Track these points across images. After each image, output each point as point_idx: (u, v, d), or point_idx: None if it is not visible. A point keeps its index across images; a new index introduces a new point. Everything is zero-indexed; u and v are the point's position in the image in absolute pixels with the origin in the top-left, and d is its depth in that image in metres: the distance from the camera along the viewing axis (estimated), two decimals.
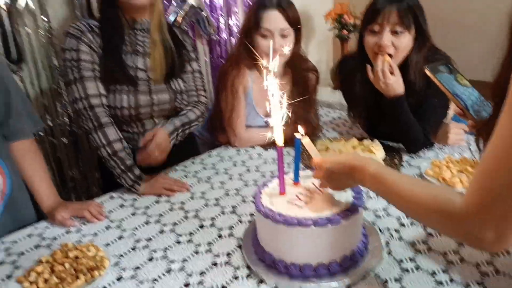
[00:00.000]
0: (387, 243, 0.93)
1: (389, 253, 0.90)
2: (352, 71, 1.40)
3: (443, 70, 0.79)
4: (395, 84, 1.26)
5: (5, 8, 1.32)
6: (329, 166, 0.80)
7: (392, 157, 1.36)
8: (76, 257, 0.91)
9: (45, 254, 0.94)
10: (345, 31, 2.41)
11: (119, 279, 0.88)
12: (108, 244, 1.01)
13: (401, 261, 0.87)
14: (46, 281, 0.85)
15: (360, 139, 1.44)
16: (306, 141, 0.87)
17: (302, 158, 1.36)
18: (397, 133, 1.37)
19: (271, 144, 1.53)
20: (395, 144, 1.44)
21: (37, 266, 0.89)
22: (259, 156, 1.49)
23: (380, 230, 0.98)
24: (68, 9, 1.53)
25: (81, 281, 0.84)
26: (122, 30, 1.26)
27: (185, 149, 1.50)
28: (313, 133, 1.57)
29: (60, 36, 1.45)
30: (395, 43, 1.26)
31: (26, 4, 1.39)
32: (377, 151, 1.35)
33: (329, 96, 2.24)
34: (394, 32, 1.25)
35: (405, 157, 1.37)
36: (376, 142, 1.40)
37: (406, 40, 1.26)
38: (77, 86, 1.20)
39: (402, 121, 1.31)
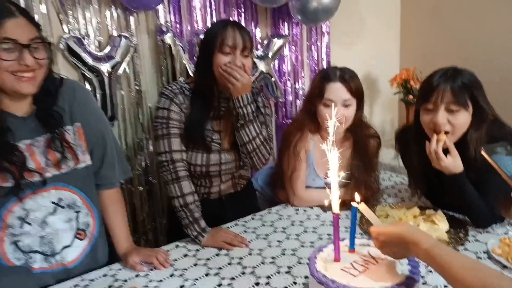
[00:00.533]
0: None
1: None
2: (410, 143, 1.41)
3: (500, 152, 0.80)
4: (451, 165, 1.24)
5: (107, 74, 1.58)
6: (383, 239, 0.83)
7: (457, 230, 1.30)
8: None
9: None
10: (410, 96, 2.43)
11: None
12: None
13: None
14: None
15: (423, 207, 1.41)
16: (363, 207, 0.90)
17: (361, 223, 1.37)
18: (461, 207, 1.33)
19: (330, 206, 1.57)
20: (460, 216, 1.39)
21: None
22: (317, 217, 1.52)
23: None
24: (156, 75, 1.77)
25: None
26: (211, 100, 1.41)
27: (247, 203, 1.60)
28: (373, 198, 1.57)
29: (148, 96, 1.67)
30: (451, 121, 1.25)
31: (124, 70, 1.65)
32: (441, 222, 1.31)
33: (392, 159, 2.22)
34: (450, 110, 1.25)
35: (472, 232, 1.31)
36: (440, 213, 1.36)
37: (462, 118, 1.25)
38: (164, 141, 1.35)
39: (465, 197, 1.27)
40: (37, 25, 1.04)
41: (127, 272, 1.20)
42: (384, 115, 2.82)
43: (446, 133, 1.27)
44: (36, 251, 1.11)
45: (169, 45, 1.71)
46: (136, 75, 1.71)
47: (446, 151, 1.26)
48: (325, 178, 1.64)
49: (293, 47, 2.15)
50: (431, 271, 1.10)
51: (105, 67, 1.57)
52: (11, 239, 1.07)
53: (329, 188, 0.93)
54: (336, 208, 0.91)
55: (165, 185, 1.38)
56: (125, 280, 1.16)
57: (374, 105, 2.81)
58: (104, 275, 1.19)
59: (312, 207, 1.59)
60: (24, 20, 0.99)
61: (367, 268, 0.90)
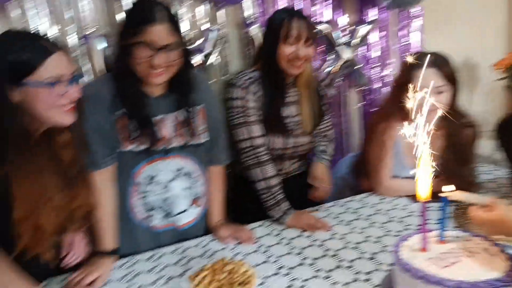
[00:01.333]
0: None
1: None
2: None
3: None
4: None
5: (200, 63, 1.70)
6: (483, 221, 0.81)
7: None
8: (230, 271, 1.09)
9: (207, 263, 1.14)
10: None
11: None
12: (255, 265, 1.16)
13: None
14: (210, 283, 1.04)
15: None
16: (457, 194, 0.87)
17: (457, 216, 1.29)
18: None
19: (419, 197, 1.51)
20: None
21: (202, 271, 1.09)
22: (404, 208, 1.48)
23: None
24: (242, 65, 1.86)
25: None
26: (284, 87, 1.47)
27: (307, 184, 1.60)
28: (469, 191, 1.46)
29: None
30: None
31: (213, 61, 1.76)
32: None
33: (495, 152, 2.03)
34: None
35: None
36: None
37: None
38: (243, 128, 1.43)
39: None
40: (176, 30, 1.18)
41: (217, 244, 1.32)
42: (485, 104, 2.57)
43: None
44: (157, 210, 1.30)
45: (254, 37, 1.77)
46: (224, 66, 1.81)
47: None
48: (413, 169, 1.58)
49: (380, 33, 2.07)
50: None
51: (198, 58, 1.69)
52: (140, 195, 1.28)
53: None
54: (424, 195, 0.89)
55: (247, 170, 1.44)
56: (215, 251, 1.27)
57: (473, 93, 2.58)
58: (196, 245, 1.32)
59: (398, 197, 1.55)
60: (166, 26, 1.14)
61: (459, 260, 0.87)
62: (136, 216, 1.29)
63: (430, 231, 0.94)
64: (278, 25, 1.39)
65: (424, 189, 0.89)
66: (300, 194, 1.54)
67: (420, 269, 0.83)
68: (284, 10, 1.57)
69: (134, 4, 1.22)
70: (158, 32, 1.13)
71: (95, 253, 1.21)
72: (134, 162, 1.25)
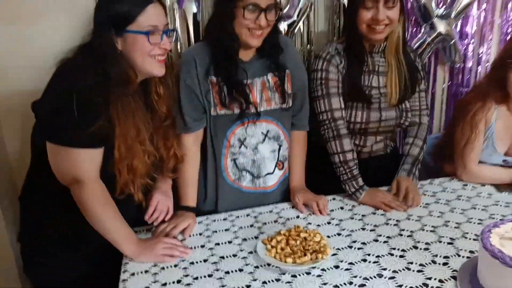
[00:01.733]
0: None
1: None
2: None
3: None
4: None
5: (284, 30, 1.69)
6: None
7: None
8: (305, 239, 1.12)
9: (279, 229, 1.19)
10: None
11: (336, 267, 1.04)
12: (328, 237, 1.18)
13: None
14: (282, 249, 1.09)
15: None
16: None
17: None
18: None
19: (507, 186, 1.41)
20: None
21: (277, 235, 1.14)
22: (489, 196, 1.39)
23: None
24: (328, 34, 1.81)
25: (308, 258, 1.04)
26: (362, 55, 1.41)
27: (391, 167, 1.52)
28: None
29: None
30: None
31: (300, 29, 1.74)
32: None
33: None
34: None
35: None
36: None
37: None
38: (323, 100, 1.41)
39: None
40: None
41: (291, 212, 1.35)
42: None
43: None
44: (248, 171, 1.38)
45: (344, 4, 1.71)
46: (309, 34, 1.78)
47: None
48: (506, 156, 1.46)
49: (483, 4, 1.88)
50: None
51: (283, 26, 1.68)
52: (232, 156, 1.36)
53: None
54: None
55: (326, 142, 1.44)
56: (288, 219, 1.31)
57: None
58: (270, 211, 1.37)
59: (484, 185, 1.45)
60: None
61: None
62: (229, 177, 1.38)
63: None
64: None
65: None
66: (383, 177, 1.48)
67: (510, 256, 0.79)
68: None
69: None
70: None
71: (179, 208, 1.31)
72: (228, 124, 1.32)
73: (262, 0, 1.20)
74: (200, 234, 1.24)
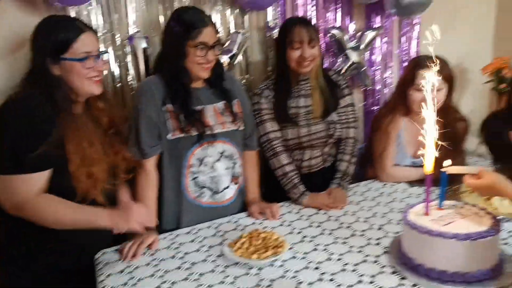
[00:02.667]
0: None
1: None
2: (502, 127, 1.51)
3: None
4: None
5: (226, 64, 1.91)
6: (477, 188, 1.06)
7: None
8: (265, 238, 1.29)
9: (242, 234, 1.35)
10: (503, 85, 2.43)
11: (294, 257, 1.23)
12: (283, 236, 1.36)
13: None
14: (247, 249, 1.25)
15: None
16: (453, 168, 1.09)
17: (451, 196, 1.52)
18: None
19: (416, 181, 1.74)
20: None
21: (240, 238, 1.30)
22: (404, 191, 1.70)
23: None
24: (263, 65, 2.07)
25: (270, 253, 1.21)
26: (289, 85, 1.69)
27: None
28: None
29: (255, 83, 1.98)
30: None
31: (239, 61, 1.97)
32: None
33: (482, 147, 2.28)
34: None
35: None
36: None
37: None
38: (260, 126, 1.67)
39: None
40: (217, 31, 1.45)
41: (247, 219, 1.52)
42: (474, 104, 2.82)
43: None
44: (207, 187, 1.51)
45: (275, 39, 1.98)
46: (247, 65, 2.02)
47: None
48: (413, 158, 1.80)
49: (384, 38, 2.31)
50: None
51: (224, 58, 1.90)
52: (192, 175, 1.48)
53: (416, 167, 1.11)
54: (429, 167, 1.11)
55: (267, 161, 1.68)
56: (246, 225, 1.48)
57: (463, 94, 2.82)
58: (229, 221, 1.52)
59: (399, 183, 1.77)
60: (212, 28, 1.41)
61: (454, 221, 1.09)
62: (190, 194, 1.50)
63: (432, 200, 1.16)
64: (284, 32, 1.64)
65: (429, 162, 1.10)
66: (324, 189, 1.69)
67: (424, 226, 1.05)
68: (290, 19, 1.77)
69: (181, 12, 1.44)
70: (210, 33, 1.40)
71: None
72: (187, 147, 1.45)
73: (209, 39, 1.40)
74: (168, 247, 1.35)
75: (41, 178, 1.16)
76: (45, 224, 1.17)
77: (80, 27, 1.21)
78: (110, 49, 1.73)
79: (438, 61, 1.62)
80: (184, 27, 1.37)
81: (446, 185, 1.15)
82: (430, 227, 1.04)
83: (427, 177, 1.11)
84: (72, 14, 1.63)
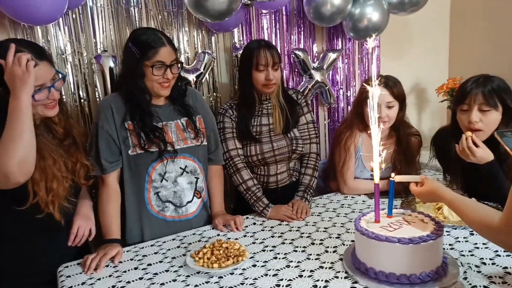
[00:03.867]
0: (465, 272, 1.13)
1: (465, 278, 1.10)
2: (448, 142, 1.63)
3: (510, 136, 1.04)
4: (484, 155, 1.45)
5: (193, 82, 1.98)
6: (420, 194, 1.16)
7: None
8: (227, 248, 1.33)
9: (205, 244, 1.39)
10: None
11: (254, 266, 1.27)
12: (246, 245, 1.41)
13: (474, 286, 1.07)
14: (208, 258, 1.28)
15: None
16: (399, 177, 1.18)
17: (404, 205, 1.62)
18: (493, 194, 1.53)
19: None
20: (493, 204, 1.58)
21: (203, 249, 1.33)
22: (364, 203, 1.79)
23: (461, 264, 1.18)
24: (229, 83, 2.15)
25: (231, 261, 1.25)
26: (253, 105, 1.77)
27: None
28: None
29: (222, 100, 2.06)
30: (483, 120, 1.48)
31: (205, 79, 2.05)
32: None
33: (437, 162, 2.41)
34: (482, 110, 1.48)
35: None
36: (473, 199, 1.57)
37: (493, 117, 1.48)
38: (222, 144, 1.74)
39: (499, 183, 1.48)
40: (175, 50, 1.50)
41: (212, 231, 1.56)
42: (433, 122, 2.99)
43: (478, 131, 1.49)
44: (170, 202, 1.54)
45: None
46: (214, 84, 2.10)
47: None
48: (372, 171, 1.90)
49: (345, 59, 2.44)
50: (459, 241, 1.33)
51: (192, 77, 1.97)
52: (154, 190, 1.51)
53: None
54: (376, 179, 1.19)
55: (230, 177, 1.74)
56: (210, 237, 1.51)
57: (422, 113, 2.99)
58: (194, 234, 1.55)
59: (359, 195, 1.86)
60: (170, 48, 1.46)
61: (401, 227, 1.17)
62: (153, 209, 1.53)
63: (382, 209, 1.24)
64: (249, 55, 1.72)
65: (376, 174, 1.19)
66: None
67: (374, 232, 1.12)
68: (253, 42, 1.84)
69: (138, 33, 1.49)
70: (167, 52, 1.45)
71: (103, 242, 1.42)
72: (148, 162, 1.49)
73: (166, 58, 1.44)
74: (131, 259, 1.37)
75: None
76: None
77: (34, 59, 1.19)
78: (77, 68, 1.77)
79: (390, 80, 1.77)
80: (141, 47, 1.43)
81: (393, 194, 1.23)
82: (378, 233, 1.11)
83: (375, 187, 1.19)
84: (39, 33, 1.67)
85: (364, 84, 1.78)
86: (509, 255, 1.22)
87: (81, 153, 1.40)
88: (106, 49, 1.81)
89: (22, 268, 1.25)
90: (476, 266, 1.17)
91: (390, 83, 1.73)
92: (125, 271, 1.28)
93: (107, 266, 1.31)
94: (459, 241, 1.34)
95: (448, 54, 3.04)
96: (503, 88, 1.50)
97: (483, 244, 1.30)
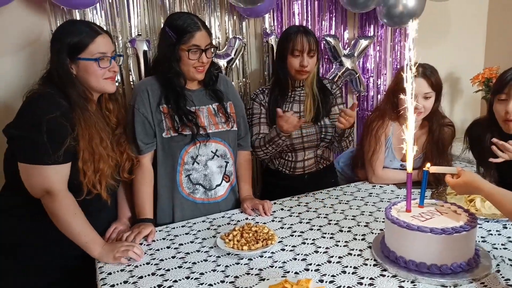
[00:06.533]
0: (498, 265, 1.12)
1: (498, 271, 1.09)
2: (483, 134, 1.59)
3: None
4: None
5: (224, 68, 1.99)
6: (456, 186, 1.14)
7: None
8: (256, 231, 1.36)
9: (235, 227, 1.42)
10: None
11: (282, 250, 1.29)
12: (274, 230, 1.43)
13: (508, 279, 1.05)
14: (238, 241, 1.31)
15: None
16: (434, 168, 1.17)
17: (435, 195, 1.60)
18: None
19: (404, 183, 1.81)
20: None
21: (233, 231, 1.36)
22: (392, 192, 1.77)
23: (494, 257, 1.16)
24: (259, 70, 2.16)
25: (260, 245, 1.28)
26: (286, 90, 1.78)
27: (326, 181, 1.90)
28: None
29: (252, 87, 2.06)
30: None
31: (236, 65, 2.06)
32: None
33: (470, 153, 2.35)
34: None
35: None
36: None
37: None
38: (251, 129, 1.77)
39: None
40: (210, 34, 1.52)
41: (240, 215, 1.59)
42: (465, 113, 2.90)
43: None
44: (200, 184, 1.58)
45: (272, 45, 2.07)
46: (244, 70, 2.10)
47: None
48: (402, 161, 1.88)
49: (377, 47, 2.39)
50: (491, 234, 1.31)
51: (222, 62, 1.98)
52: (186, 173, 1.55)
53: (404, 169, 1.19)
54: (409, 168, 1.18)
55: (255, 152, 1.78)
56: (239, 220, 1.55)
57: (455, 103, 2.91)
58: (223, 216, 1.59)
59: (388, 184, 1.84)
60: (205, 32, 1.48)
61: (433, 217, 1.16)
62: (184, 191, 1.57)
63: (414, 200, 1.23)
64: (286, 40, 1.72)
65: (409, 164, 1.18)
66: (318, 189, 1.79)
67: (405, 221, 1.12)
68: (292, 27, 1.84)
69: (174, 17, 1.51)
70: (202, 37, 1.47)
71: (137, 221, 1.48)
72: (181, 145, 1.52)
73: (202, 42, 1.47)
74: (164, 239, 1.42)
75: (68, 169, 1.24)
76: (53, 217, 1.23)
77: (96, 30, 1.29)
78: None
79: (428, 69, 1.72)
80: (176, 31, 1.45)
81: (426, 185, 1.22)
82: (409, 222, 1.11)
83: (407, 176, 1.18)
84: (77, 17, 1.72)
85: (401, 72, 1.74)
86: None
87: (130, 143, 1.46)
88: (140, 33, 1.84)
89: (68, 247, 1.29)
90: (510, 259, 1.15)
91: (428, 73, 1.69)
92: (158, 250, 1.33)
93: (140, 244, 1.36)
94: (491, 234, 1.31)
95: (485, 43, 2.92)
96: None
97: None
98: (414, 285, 1.06)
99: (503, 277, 1.07)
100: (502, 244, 1.24)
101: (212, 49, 1.52)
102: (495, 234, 1.31)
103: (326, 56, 2.26)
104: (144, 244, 1.37)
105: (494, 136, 1.50)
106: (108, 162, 1.30)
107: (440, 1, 2.24)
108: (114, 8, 1.78)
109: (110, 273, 1.20)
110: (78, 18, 1.71)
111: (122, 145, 1.42)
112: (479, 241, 1.27)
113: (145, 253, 1.30)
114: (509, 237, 1.28)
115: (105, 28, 1.75)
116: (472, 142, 1.70)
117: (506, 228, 1.35)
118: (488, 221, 1.40)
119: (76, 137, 1.22)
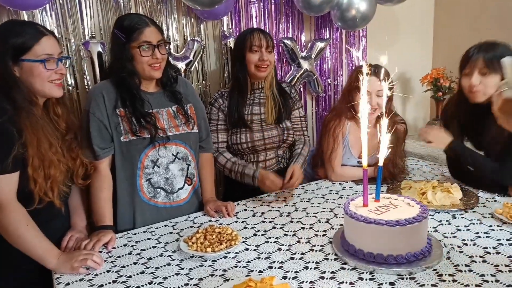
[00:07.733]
0: (448, 253, 1.19)
1: (448, 258, 1.16)
2: (455, 110, 1.72)
3: None
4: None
5: (182, 70, 1.97)
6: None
7: (469, 198, 1.58)
8: (219, 233, 1.36)
9: (198, 230, 1.41)
10: (440, 93, 2.67)
11: (246, 249, 1.30)
12: (237, 231, 1.44)
13: (457, 265, 1.12)
14: (202, 243, 1.31)
15: (441, 182, 1.69)
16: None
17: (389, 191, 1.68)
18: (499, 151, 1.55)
19: (361, 180, 1.88)
20: (473, 189, 1.66)
21: (196, 234, 1.36)
22: (351, 189, 1.84)
23: (444, 245, 1.24)
24: (218, 71, 2.16)
25: (223, 246, 1.28)
26: (246, 91, 1.80)
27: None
28: (400, 174, 1.86)
29: (212, 89, 2.06)
30: (483, 82, 1.53)
31: (195, 67, 2.05)
32: (455, 192, 1.59)
33: (422, 149, 2.49)
34: (482, 73, 1.53)
35: (481, 200, 1.58)
36: (455, 185, 1.64)
37: (492, 80, 1.51)
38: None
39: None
40: (161, 31, 1.50)
41: (203, 218, 1.58)
42: (417, 112, 3.07)
43: None
44: (162, 188, 1.55)
45: (230, 47, 2.08)
46: (203, 72, 2.10)
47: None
48: (359, 158, 1.95)
49: (333, 49, 2.47)
50: (442, 224, 1.39)
51: (181, 65, 1.97)
52: (146, 177, 1.52)
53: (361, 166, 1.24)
54: (365, 163, 1.23)
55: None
56: (202, 223, 1.54)
57: (407, 102, 3.06)
58: (186, 220, 1.57)
59: (346, 181, 1.91)
60: (154, 28, 1.46)
61: (389, 210, 1.22)
62: (145, 195, 1.54)
63: (370, 194, 1.29)
64: (244, 39, 1.75)
65: (364, 160, 1.23)
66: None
67: (362, 215, 1.16)
68: (248, 28, 1.88)
69: (122, 18, 1.50)
70: (152, 33, 1.46)
71: (96, 229, 1.43)
72: (140, 149, 1.49)
73: (152, 38, 1.45)
74: (125, 245, 1.38)
75: (17, 178, 1.18)
76: (2, 231, 1.17)
77: (41, 30, 1.24)
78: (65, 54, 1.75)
79: (379, 69, 1.80)
80: (125, 31, 1.43)
81: (382, 180, 1.27)
82: (367, 216, 1.16)
83: (363, 172, 1.23)
84: (25, 18, 1.64)
85: (358, 70, 1.82)
86: (488, 236, 1.28)
87: (82, 149, 1.40)
88: (94, 35, 1.79)
89: (21, 260, 1.22)
90: (459, 246, 1.23)
91: (379, 72, 1.77)
92: (119, 257, 1.29)
93: (100, 252, 1.32)
94: (442, 224, 1.40)
95: (432, 45, 3.11)
96: (507, 53, 1.53)
97: (465, 226, 1.37)
98: (373, 275, 1.10)
99: (453, 263, 1.14)
100: (451, 233, 1.33)
101: (165, 45, 1.50)
102: (445, 224, 1.39)
103: (285, 58, 2.31)
104: (104, 252, 1.32)
105: (465, 108, 1.62)
106: (59, 168, 1.25)
107: (388, 5, 2.35)
108: (65, 9, 1.72)
109: (68, 284, 1.15)
110: (25, 20, 1.63)
111: (74, 150, 1.36)
112: (431, 231, 1.34)
113: (105, 260, 1.26)
114: (458, 226, 1.37)
115: (56, 30, 1.70)
116: (447, 119, 1.79)
117: (455, 218, 1.44)
118: (438, 212, 1.49)
119: (24, 143, 1.17)
